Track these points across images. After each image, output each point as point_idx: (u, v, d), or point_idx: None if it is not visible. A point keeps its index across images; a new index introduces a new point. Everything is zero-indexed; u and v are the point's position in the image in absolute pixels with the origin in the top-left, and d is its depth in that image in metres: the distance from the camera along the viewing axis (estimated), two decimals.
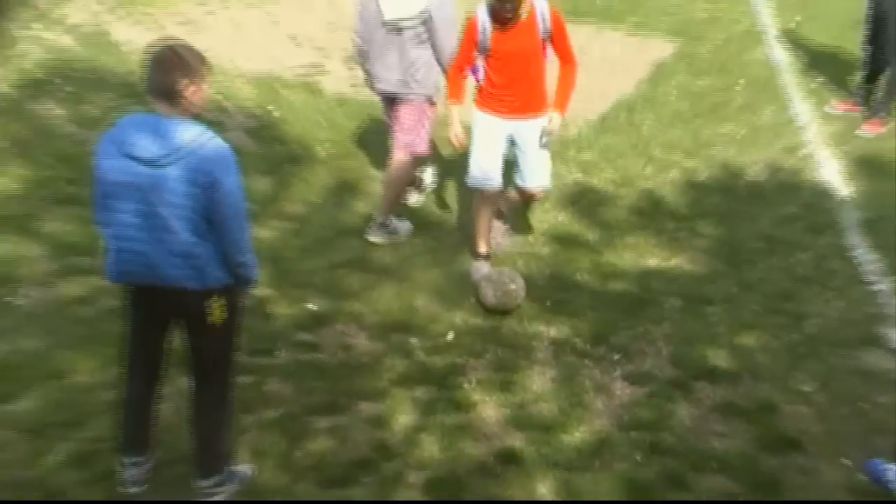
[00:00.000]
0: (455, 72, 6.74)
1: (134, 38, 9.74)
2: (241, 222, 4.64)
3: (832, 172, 8.45)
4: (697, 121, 9.05)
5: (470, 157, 6.84)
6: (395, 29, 6.90)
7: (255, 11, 10.66)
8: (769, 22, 11.02)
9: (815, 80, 9.83)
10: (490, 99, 6.70)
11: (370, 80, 7.29)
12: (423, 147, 7.20)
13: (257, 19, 10.48)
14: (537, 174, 6.87)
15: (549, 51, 6.64)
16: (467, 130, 6.83)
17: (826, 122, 9.20)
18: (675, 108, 9.20)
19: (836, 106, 9.43)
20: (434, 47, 6.91)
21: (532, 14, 6.44)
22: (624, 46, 10.69)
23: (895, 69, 8.93)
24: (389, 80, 7.08)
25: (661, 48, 10.25)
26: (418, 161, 7.30)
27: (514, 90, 6.63)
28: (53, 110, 8.58)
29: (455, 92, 6.79)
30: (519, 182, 6.93)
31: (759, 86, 9.71)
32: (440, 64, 6.97)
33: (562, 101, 6.74)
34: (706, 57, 10.22)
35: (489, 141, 6.75)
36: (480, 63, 6.65)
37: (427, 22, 6.85)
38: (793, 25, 10.96)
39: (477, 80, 6.74)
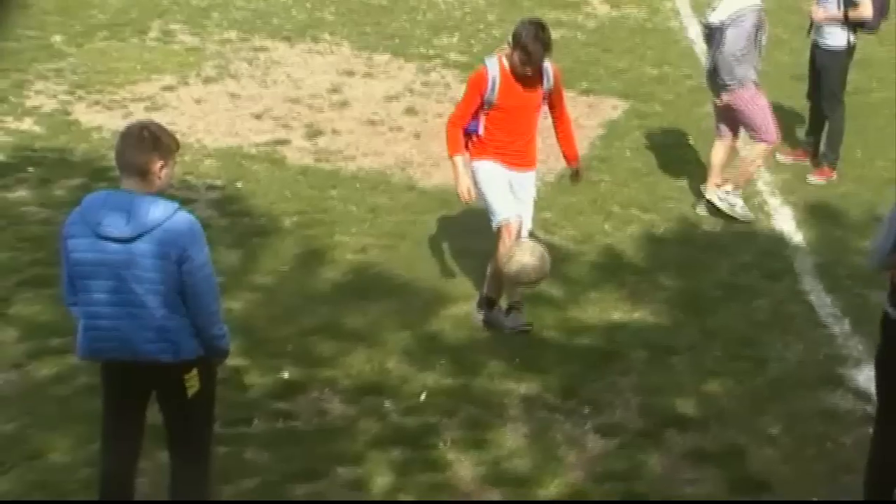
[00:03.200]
0: (454, 127, 6.83)
1: (96, 119, 9.78)
2: (212, 294, 4.66)
3: (785, 220, 8.57)
4: (652, 176, 9.16)
5: (488, 201, 6.85)
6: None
7: (216, 87, 10.71)
8: None
9: None
10: (490, 151, 6.79)
11: None
12: None
13: (217, 95, 10.54)
14: (525, 222, 6.97)
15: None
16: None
17: (777, 172, 9.33)
18: (631, 166, 9.31)
19: (785, 155, 9.59)
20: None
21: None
22: (576, 108, 10.80)
23: (833, 120, 9.17)
24: None
25: (613, 107, 10.39)
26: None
27: (514, 144, 6.79)
28: (20, 194, 8.57)
29: (455, 146, 6.85)
30: None
31: (710, 140, 9.82)
32: None
33: (574, 154, 7.14)
34: (658, 114, 10.35)
35: (499, 181, 6.83)
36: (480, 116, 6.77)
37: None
38: None
39: (473, 132, 6.80)
